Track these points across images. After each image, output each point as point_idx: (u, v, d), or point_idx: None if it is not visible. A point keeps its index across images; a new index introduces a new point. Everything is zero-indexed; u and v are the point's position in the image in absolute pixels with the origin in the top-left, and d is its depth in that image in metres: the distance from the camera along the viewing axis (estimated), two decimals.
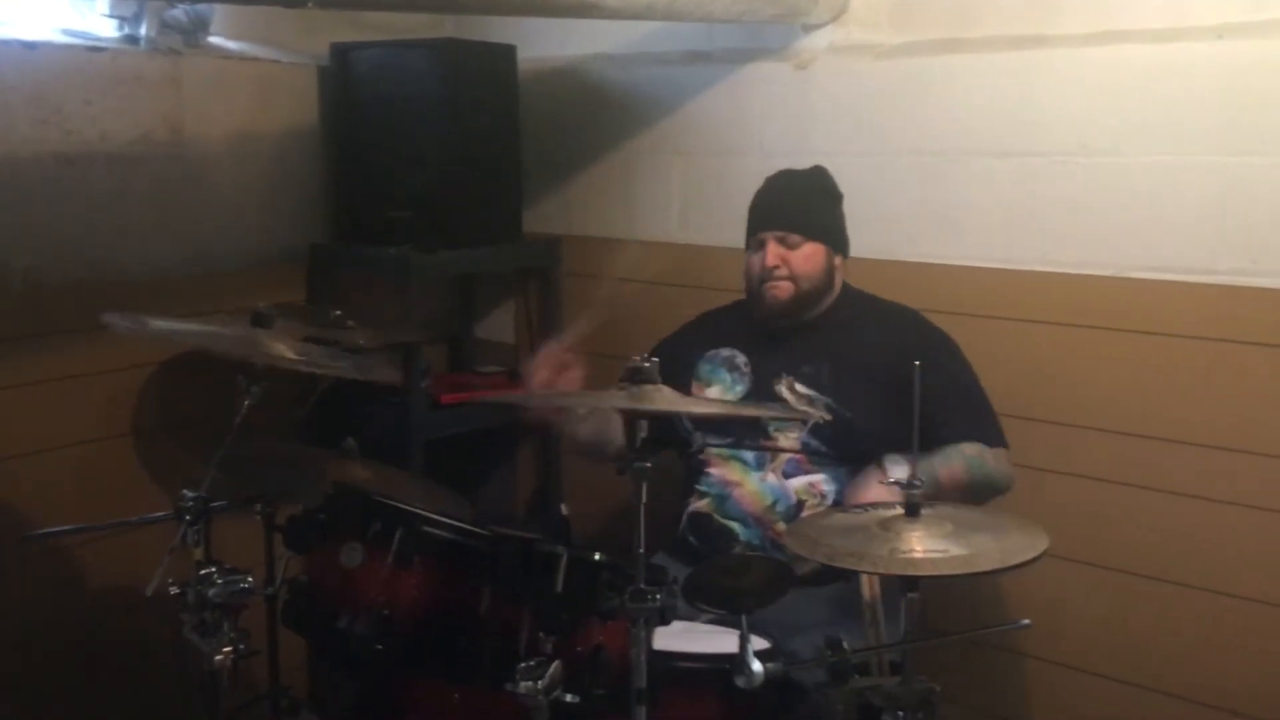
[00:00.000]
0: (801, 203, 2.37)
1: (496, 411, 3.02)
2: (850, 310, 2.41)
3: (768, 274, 2.33)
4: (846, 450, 2.27)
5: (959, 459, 2.19)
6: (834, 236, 2.39)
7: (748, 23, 2.70)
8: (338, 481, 2.07)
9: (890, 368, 2.25)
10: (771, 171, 2.47)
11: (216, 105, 2.74)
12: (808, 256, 2.33)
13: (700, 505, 2.36)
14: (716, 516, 2.33)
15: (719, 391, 2.40)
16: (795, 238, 2.33)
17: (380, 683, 1.91)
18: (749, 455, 2.34)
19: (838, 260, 2.39)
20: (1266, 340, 2.26)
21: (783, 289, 2.33)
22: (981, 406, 2.32)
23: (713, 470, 2.37)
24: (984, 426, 2.29)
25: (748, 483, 2.32)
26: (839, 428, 2.26)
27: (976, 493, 2.18)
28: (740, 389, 2.39)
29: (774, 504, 2.29)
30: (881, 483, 2.08)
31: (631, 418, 1.63)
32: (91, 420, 2.57)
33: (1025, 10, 2.50)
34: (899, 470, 2.06)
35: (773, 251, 2.32)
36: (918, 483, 1.71)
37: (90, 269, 2.55)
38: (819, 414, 2.24)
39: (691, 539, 2.36)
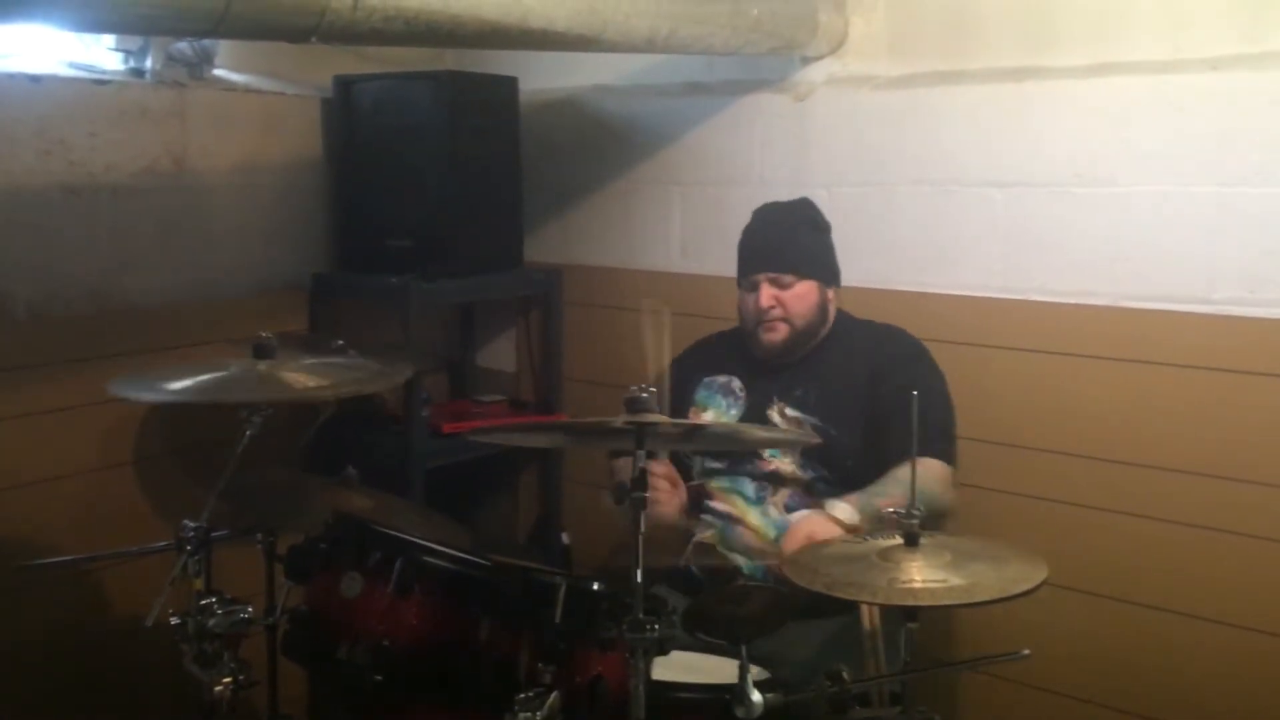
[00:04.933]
0: (791, 241, 2.37)
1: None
2: (842, 337, 2.42)
3: (762, 315, 2.33)
4: (834, 466, 2.28)
5: (896, 486, 2.11)
6: (825, 271, 2.40)
7: (747, 55, 2.73)
8: (338, 511, 2.07)
9: (867, 382, 2.27)
10: (770, 202, 2.48)
11: (220, 137, 2.76)
12: (801, 295, 2.34)
13: (705, 536, 2.37)
14: (720, 548, 2.34)
15: (714, 416, 2.42)
16: (788, 278, 2.33)
17: (379, 713, 1.91)
18: (749, 489, 2.34)
19: (830, 293, 2.40)
20: (1264, 370, 2.27)
21: (778, 331, 2.34)
22: (935, 417, 2.26)
23: (715, 504, 2.37)
24: (929, 438, 2.21)
25: (749, 517, 2.33)
26: (826, 447, 2.26)
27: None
28: (734, 414, 2.40)
29: (776, 538, 2.29)
30: (814, 534, 2.02)
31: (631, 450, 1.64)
32: (93, 450, 2.57)
33: (1022, 42, 2.52)
34: (842, 510, 2.08)
35: (766, 293, 2.33)
36: (918, 511, 1.72)
37: (93, 299, 2.56)
38: (807, 438, 2.24)
39: (695, 569, 2.36)
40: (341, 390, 2.19)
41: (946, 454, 2.26)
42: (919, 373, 2.31)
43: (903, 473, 2.13)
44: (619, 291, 3.13)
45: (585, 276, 3.19)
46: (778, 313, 2.33)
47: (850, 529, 2.04)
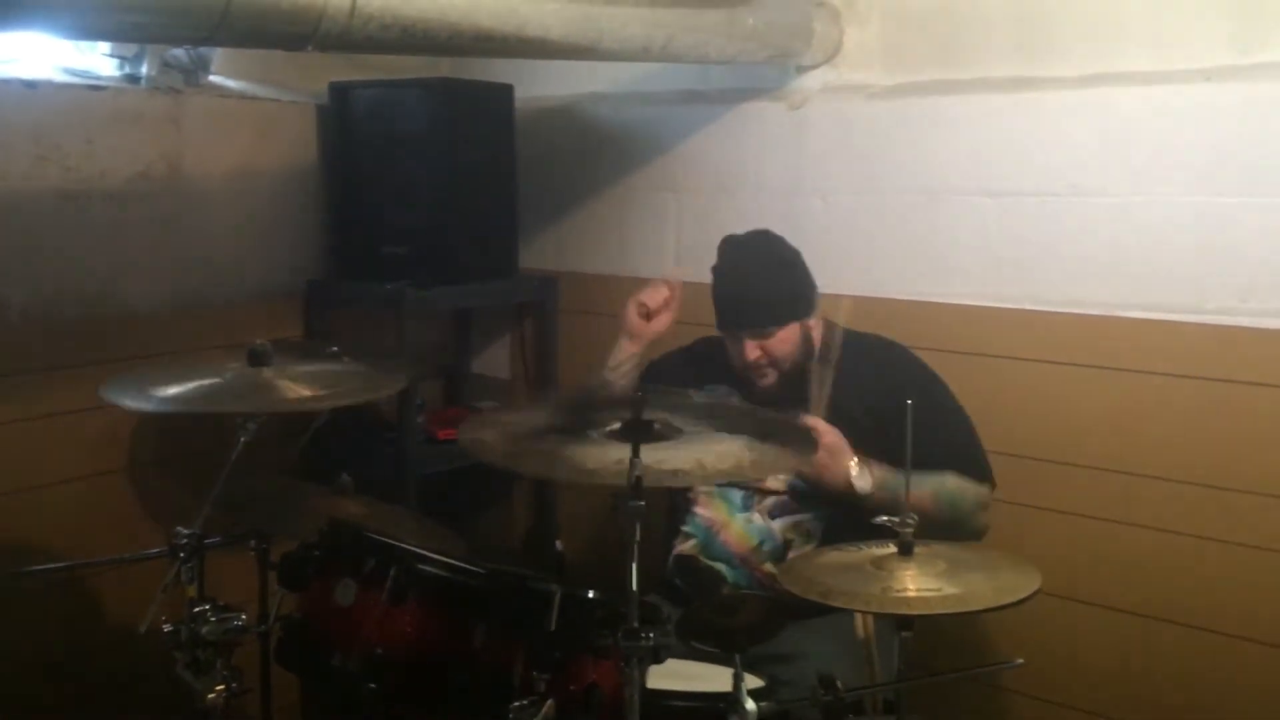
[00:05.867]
0: (765, 293, 2.32)
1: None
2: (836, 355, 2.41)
3: (749, 366, 2.32)
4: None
5: (928, 485, 2.14)
6: (800, 307, 2.35)
7: (743, 64, 2.74)
8: (332, 518, 2.07)
9: (873, 409, 2.26)
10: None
11: (216, 143, 2.76)
12: (784, 340, 2.31)
13: (685, 547, 2.37)
14: (703, 558, 2.33)
15: None
16: (767, 329, 2.31)
17: None
18: (735, 495, 2.34)
19: (811, 322, 2.37)
20: (1255, 379, 2.28)
21: (768, 377, 2.34)
22: (966, 440, 2.31)
23: (699, 510, 2.37)
24: (968, 460, 2.28)
25: (734, 523, 2.33)
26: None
27: (941, 524, 2.11)
28: None
29: (760, 544, 2.29)
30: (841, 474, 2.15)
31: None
32: (87, 456, 2.57)
33: (1016, 52, 2.53)
34: (862, 480, 2.15)
35: (749, 348, 2.31)
36: (911, 520, 1.72)
37: (88, 305, 2.56)
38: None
39: (677, 581, 2.36)
40: (338, 400, 2.19)
41: (989, 475, 2.31)
42: (941, 400, 2.33)
43: (951, 480, 2.22)
44: (614, 299, 3.12)
45: (581, 284, 3.19)
46: (764, 361, 2.32)
47: (861, 480, 2.15)
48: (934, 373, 2.38)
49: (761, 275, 2.34)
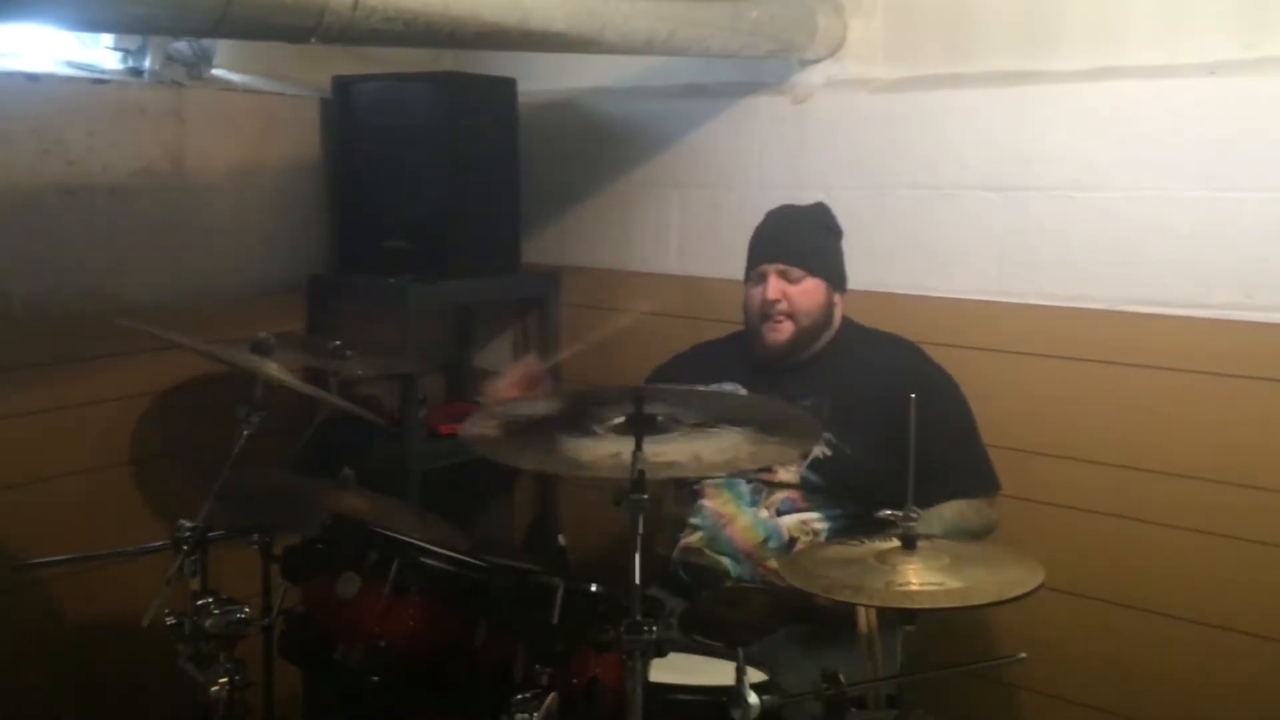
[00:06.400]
0: (803, 238, 2.38)
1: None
2: (849, 345, 2.42)
3: (768, 308, 2.33)
4: (843, 484, 2.27)
5: (937, 525, 2.13)
6: (834, 273, 2.40)
7: (745, 58, 2.73)
8: (335, 512, 2.07)
9: (887, 404, 2.26)
10: (768, 204, 2.48)
11: (218, 137, 2.76)
12: (807, 292, 2.34)
13: (692, 539, 2.36)
14: (708, 551, 2.33)
15: None
16: (796, 272, 2.33)
17: (376, 714, 1.91)
18: (743, 489, 2.34)
19: (836, 297, 2.40)
20: (1259, 374, 2.27)
21: (782, 330, 2.34)
22: (974, 451, 2.33)
23: (706, 503, 2.37)
24: (974, 474, 2.30)
25: (740, 518, 2.32)
26: (837, 462, 2.27)
27: None
28: None
29: (766, 540, 2.29)
30: None
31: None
32: (89, 449, 2.57)
33: (1020, 46, 2.53)
34: None
35: (774, 285, 2.33)
36: (915, 514, 1.72)
37: (90, 299, 2.56)
38: (818, 448, 2.25)
39: (682, 573, 2.36)
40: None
41: (985, 488, 2.32)
42: (953, 402, 2.34)
43: (950, 511, 2.21)
44: (616, 293, 3.13)
45: (583, 278, 3.19)
46: (783, 307, 2.32)
47: None
48: (951, 379, 2.37)
49: (807, 227, 2.40)
